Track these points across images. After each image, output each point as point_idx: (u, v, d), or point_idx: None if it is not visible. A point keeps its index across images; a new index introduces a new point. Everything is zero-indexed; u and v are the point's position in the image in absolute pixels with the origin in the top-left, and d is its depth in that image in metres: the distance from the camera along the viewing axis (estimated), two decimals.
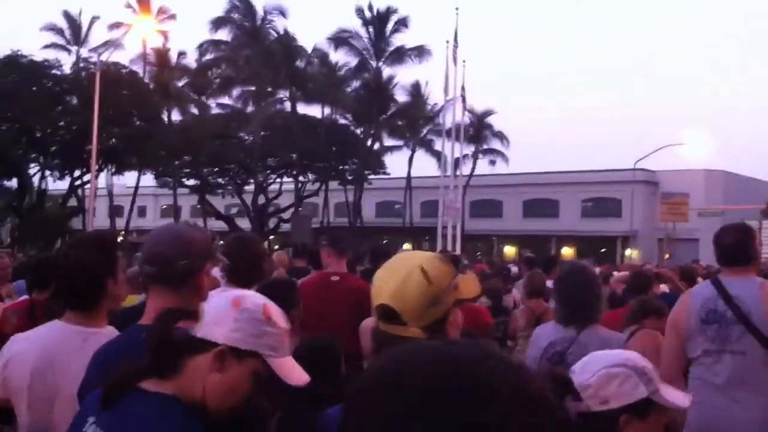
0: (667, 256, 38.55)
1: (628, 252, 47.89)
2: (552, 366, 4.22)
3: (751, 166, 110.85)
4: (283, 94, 46.55)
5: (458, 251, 27.66)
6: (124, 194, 50.21)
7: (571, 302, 4.26)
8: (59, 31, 49.93)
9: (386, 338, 1.98)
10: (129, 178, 46.88)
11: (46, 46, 47.50)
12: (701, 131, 79.22)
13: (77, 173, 38.73)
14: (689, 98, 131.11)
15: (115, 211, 48.63)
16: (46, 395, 2.71)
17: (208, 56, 46.53)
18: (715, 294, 4.04)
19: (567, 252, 48.23)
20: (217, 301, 1.91)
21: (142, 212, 60.91)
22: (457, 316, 2.10)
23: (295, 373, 1.96)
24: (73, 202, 40.78)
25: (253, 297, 1.96)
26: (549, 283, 7.32)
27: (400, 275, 2.00)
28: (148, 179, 47.95)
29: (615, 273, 11.72)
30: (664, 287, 8.39)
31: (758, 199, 44.64)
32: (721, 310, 3.98)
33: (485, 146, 52.35)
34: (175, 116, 45.35)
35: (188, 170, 45.50)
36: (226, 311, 1.86)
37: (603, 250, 48.61)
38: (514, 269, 12.52)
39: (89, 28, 49.86)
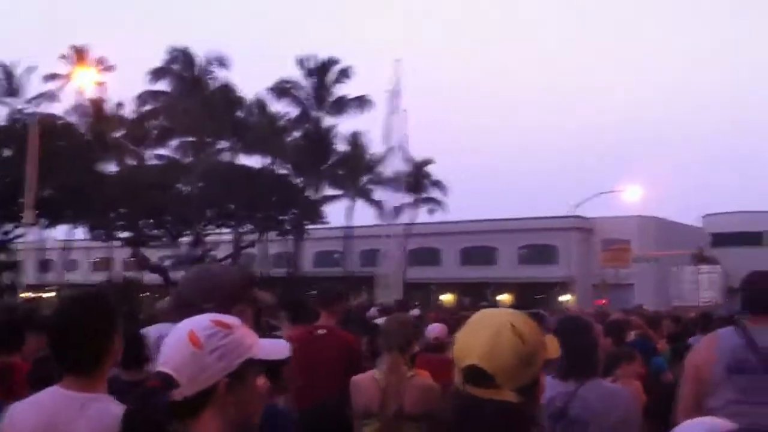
0: (603, 301, 39.21)
1: (564, 298, 48.50)
2: (553, 422, 4.18)
3: (682, 212, 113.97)
4: (224, 144, 46.20)
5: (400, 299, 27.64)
6: (53, 248, 48.85)
7: (569, 355, 4.22)
8: None
9: (475, 402, 1.90)
10: (58, 230, 45.66)
11: None
12: (633, 177, 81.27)
13: (8, 227, 37.60)
14: (624, 145, 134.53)
15: (45, 266, 47.26)
16: None
17: (147, 107, 45.94)
18: (743, 343, 3.94)
19: (504, 299, 48.58)
20: (176, 355, 1.80)
21: (72, 266, 59.16)
22: (544, 377, 2.04)
23: (277, 349, 2.04)
24: (3, 256, 39.47)
25: (198, 323, 1.87)
26: None
27: (489, 334, 1.93)
28: (79, 232, 46.79)
29: None
30: (632, 335, 8.53)
31: (689, 244, 45.94)
32: (752, 360, 3.87)
33: (424, 195, 52.68)
34: (113, 167, 44.53)
35: (123, 222, 44.53)
36: (196, 356, 1.79)
37: (540, 296, 49.12)
38: None
39: (24, 79, 48.90)
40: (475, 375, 1.92)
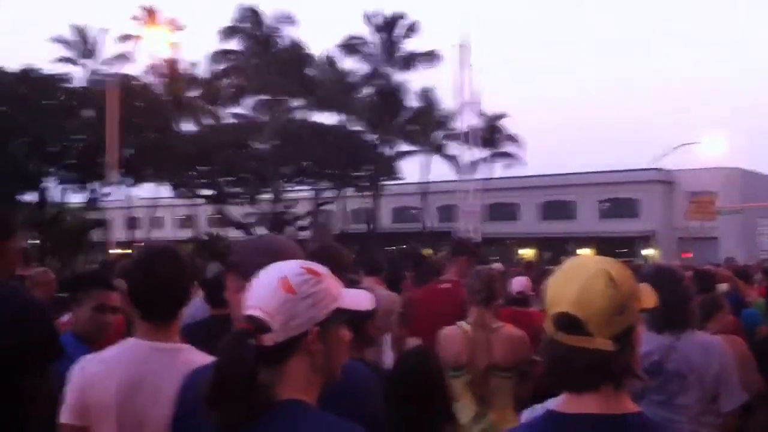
0: (689, 254, 38.30)
1: (647, 252, 47.57)
2: (651, 376, 3.95)
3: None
4: (296, 102, 46.41)
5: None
6: (140, 206, 50.23)
7: (663, 307, 4.02)
8: (69, 44, 49.91)
9: (566, 351, 1.79)
10: (144, 189, 46.91)
11: (57, 60, 47.53)
12: (717, 129, 78.85)
13: (95, 186, 38.70)
14: (705, 96, 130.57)
15: (132, 223, 48.63)
16: (135, 419, 2.50)
17: (219, 66, 46.45)
18: None
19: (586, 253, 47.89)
20: (268, 299, 1.74)
21: (159, 223, 60.87)
22: (641, 326, 1.92)
23: (361, 299, 1.91)
24: (92, 214, 40.72)
25: (290, 268, 1.80)
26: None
27: (581, 280, 1.81)
28: (163, 190, 47.99)
29: None
30: (723, 287, 8.18)
31: None
32: None
33: (499, 149, 52.08)
34: (189, 127, 45.27)
35: (204, 180, 45.44)
36: (289, 301, 1.73)
37: (622, 250, 48.26)
38: None
39: (99, 42, 49.95)
40: (566, 322, 1.81)
